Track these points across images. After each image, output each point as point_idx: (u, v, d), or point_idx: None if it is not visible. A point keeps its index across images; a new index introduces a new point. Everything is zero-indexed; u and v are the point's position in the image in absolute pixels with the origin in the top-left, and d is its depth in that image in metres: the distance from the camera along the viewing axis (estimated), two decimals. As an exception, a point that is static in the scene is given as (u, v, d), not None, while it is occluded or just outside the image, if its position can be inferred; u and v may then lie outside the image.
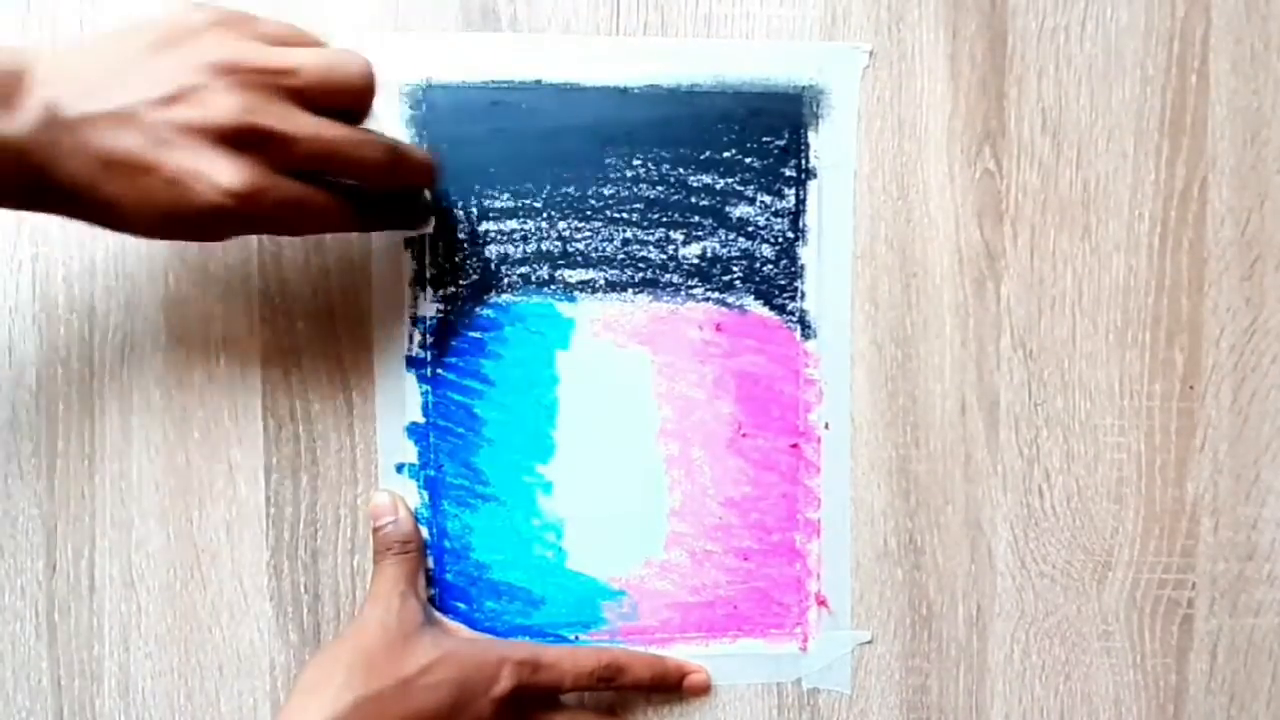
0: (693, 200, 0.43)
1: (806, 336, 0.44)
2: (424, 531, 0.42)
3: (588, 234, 0.43)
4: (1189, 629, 0.45)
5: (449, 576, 0.43)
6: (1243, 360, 0.45)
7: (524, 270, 0.43)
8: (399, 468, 0.43)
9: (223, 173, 0.31)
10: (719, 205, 0.43)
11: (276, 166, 0.33)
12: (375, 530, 0.41)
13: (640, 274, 0.43)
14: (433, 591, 0.43)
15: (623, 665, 0.42)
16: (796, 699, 0.45)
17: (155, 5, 0.39)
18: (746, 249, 0.43)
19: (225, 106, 0.31)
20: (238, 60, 0.32)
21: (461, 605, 0.43)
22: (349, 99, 0.34)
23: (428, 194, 0.41)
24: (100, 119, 0.31)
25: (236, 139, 0.32)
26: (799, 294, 0.44)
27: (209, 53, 0.32)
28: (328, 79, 0.33)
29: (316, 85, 0.33)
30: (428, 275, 0.42)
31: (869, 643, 0.45)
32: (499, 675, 0.39)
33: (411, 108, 0.42)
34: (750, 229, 0.43)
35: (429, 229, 0.42)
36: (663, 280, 0.43)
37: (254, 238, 0.41)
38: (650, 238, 0.43)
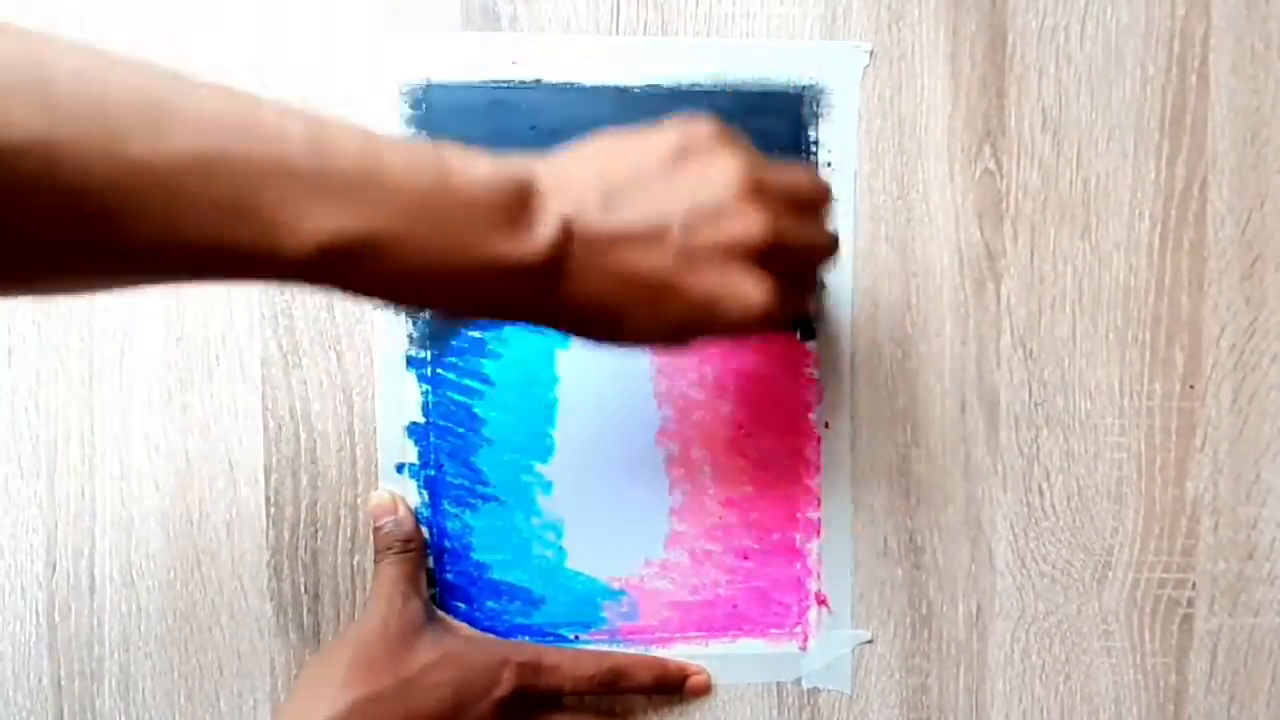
0: (693, 200, 0.43)
1: (806, 336, 0.44)
2: (424, 531, 0.42)
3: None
4: (1189, 629, 0.45)
5: (449, 576, 0.43)
6: (1243, 360, 0.45)
7: (524, 270, 0.43)
8: (399, 468, 0.43)
9: (755, 293, 0.31)
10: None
11: (787, 278, 0.32)
12: (375, 530, 0.41)
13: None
14: (433, 591, 0.43)
15: (624, 670, 0.42)
16: (796, 699, 0.45)
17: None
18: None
19: (756, 225, 0.31)
20: (757, 176, 0.31)
21: (462, 605, 0.43)
22: (822, 206, 0.35)
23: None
24: (627, 237, 0.30)
25: (763, 257, 0.31)
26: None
27: (729, 169, 0.31)
28: (818, 193, 0.34)
29: (810, 200, 0.34)
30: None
31: (869, 642, 0.45)
32: (500, 677, 0.39)
33: (411, 107, 0.42)
34: (750, 228, 0.43)
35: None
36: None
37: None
38: (650, 237, 0.43)
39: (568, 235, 0.29)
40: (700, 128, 0.32)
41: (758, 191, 0.31)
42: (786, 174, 0.33)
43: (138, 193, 0.24)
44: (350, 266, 0.27)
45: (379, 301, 0.29)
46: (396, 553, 0.41)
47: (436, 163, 0.28)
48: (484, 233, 0.28)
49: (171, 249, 0.25)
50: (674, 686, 0.43)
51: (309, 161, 0.26)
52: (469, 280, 0.28)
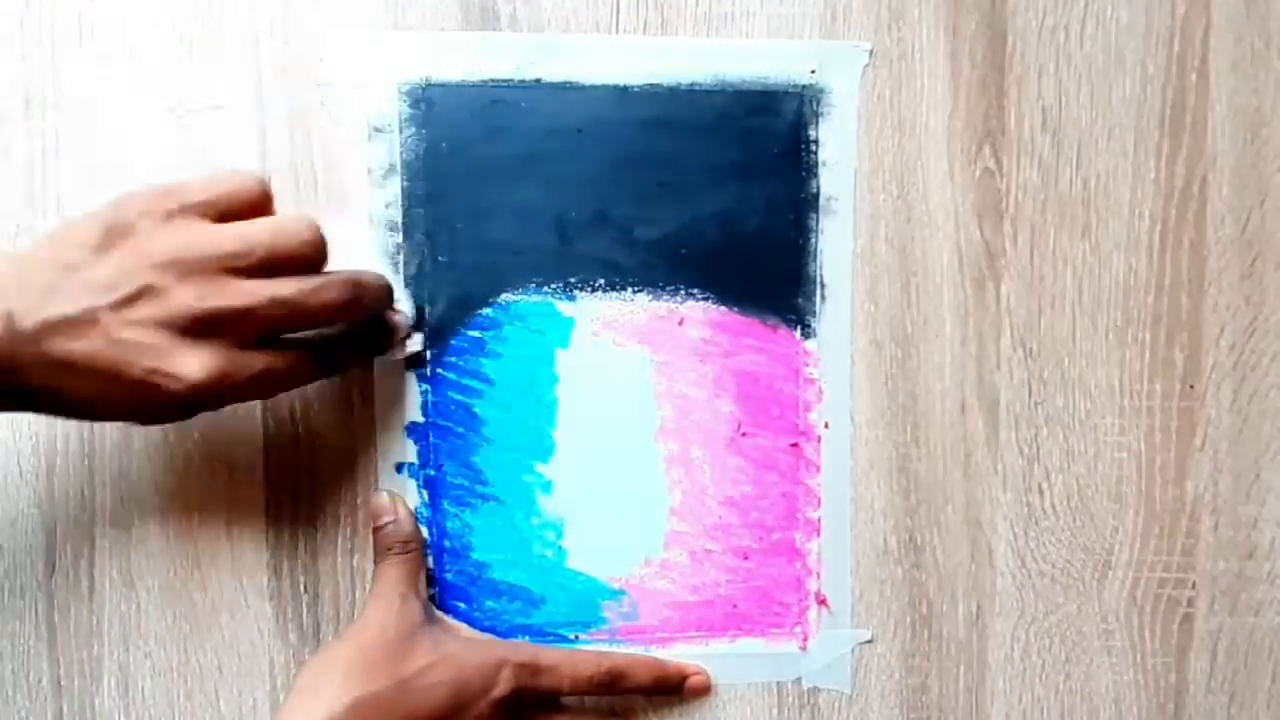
0: (692, 199, 0.43)
1: (806, 335, 0.44)
2: (424, 531, 0.42)
3: (587, 233, 0.43)
4: (1189, 628, 0.45)
5: (449, 576, 0.43)
6: (1243, 359, 0.45)
7: (524, 270, 0.43)
8: (399, 468, 0.43)
9: (187, 366, 0.31)
10: (718, 204, 0.43)
11: (239, 344, 0.33)
12: (375, 530, 0.41)
13: (640, 273, 0.43)
14: (433, 591, 0.43)
15: (623, 670, 0.42)
16: (796, 698, 0.45)
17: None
18: (746, 248, 0.43)
19: (179, 301, 0.31)
20: (183, 253, 0.32)
21: (461, 605, 0.43)
22: (300, 264, 0.34)
23: (400, 315, 0.40)
24: (58, 326, 0.31)
25: (196, 329, 0.32)
26: (799, 293, 0.44)
27: (154, 248, 0.32)
28: (276, 253, 0.33)
29: (265, 261, 0.33)
30: (427, 274, 0.42)
31: (869, 642, 0.45)
32: (498, 678, 0.39)
33: (411, 106, 0.42)
34: (750, 228, 0.43)
35: (414, 348, 0.41)
36: (663, 279, 0.43)
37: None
38: (650, 236, 0.43)
39: (10, 335, 0.30)
40: (130, 206, 0.33)
41: (181, 267, 0.32)
42: (238, 239, 0.33)
43: None
44: None
45: None
46: (396, 554, 0.40)
47: None
48: None
49: None
50: (673, 687, 0.43)
51: None
52: None
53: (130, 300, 0.31)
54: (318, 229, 0.34)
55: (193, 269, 0.32)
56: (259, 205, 0.35)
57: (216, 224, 0.33)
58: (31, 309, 0.31)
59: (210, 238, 0.33)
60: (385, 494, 0.42)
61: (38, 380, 0.31)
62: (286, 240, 0.34)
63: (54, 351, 0.31)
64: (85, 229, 0.32)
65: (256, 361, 0.33)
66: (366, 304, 0.36)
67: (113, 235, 0.32)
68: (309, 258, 0.34)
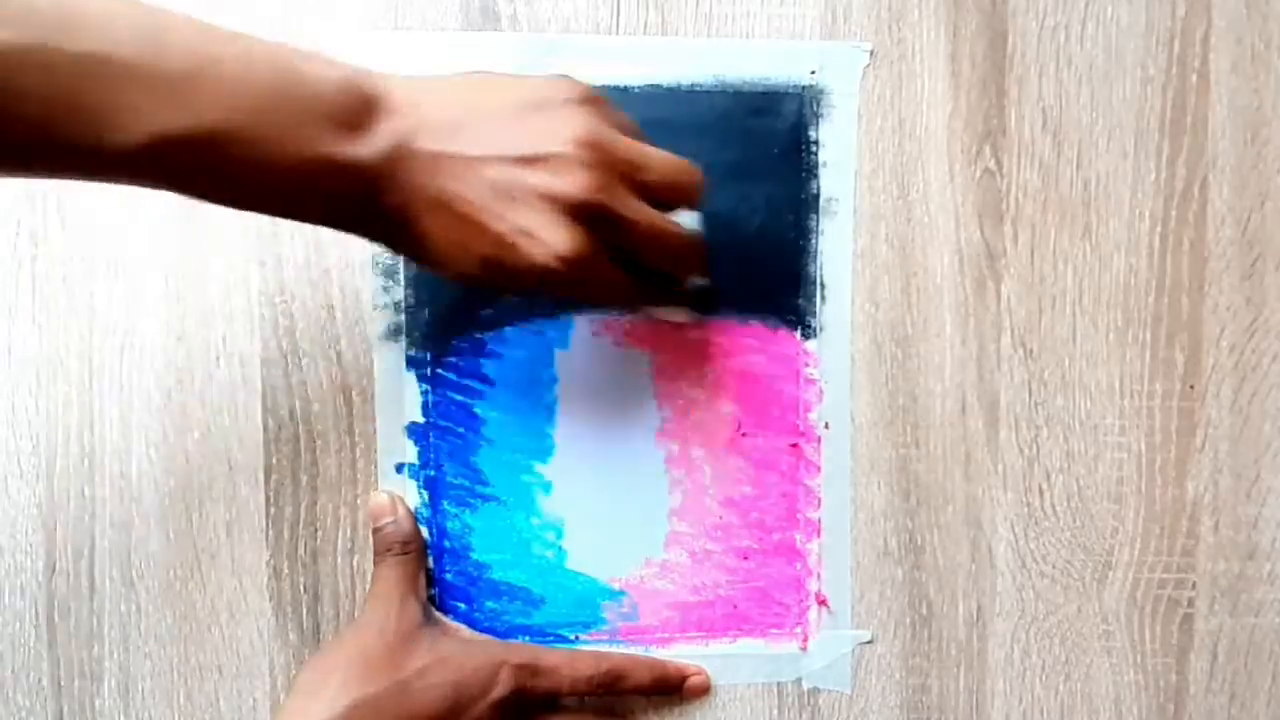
0: (693, 200, 0.43)
1: (806, 336, 0.44)
2: (424, 531, 0.42)
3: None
4: (1189, 629, 0.45)
5: (449, 576, 0.43)
6: (1243, 360, 0.45)
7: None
8: (399, 468, 0.43)
9: (560, 239, 0.32)
10: (718, 204, 0.43)
11: (606, 244, 0.33)
12: (375, 531, 0.41)
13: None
14: (433, 591, 0.43)
15: (623, 671, 0.42)
16: (796, 699, 0.45)
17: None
18: (747, 248, 0.43)
19: (582, 181, 0.32)
20: (601, 140, 0.33)
21: (461, 605, 0.43)
22: (681, 201, 0.36)
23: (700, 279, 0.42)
24: (452, 161, 0.31)
25: (581, 213, 0.32)
26: (799, 293, 0.44)
27: (576, 126, 0.32)
28: (672, 180, 0.35)
29: (660, 183, 0.34)
30: (427, 274, 0.42)
31: (869, 642, 0.45)
32: (497, 679, 0.39)
33: (411, 107, 0.41)
34: (750, 228, 0.43)
35: (702, 282, 0.42)
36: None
37: (253, 236, 0.41)
38: (650, 237, 0.43)
39: (398, 150, 0.31)
40: (567, 87, 0.34)
41: (596, 154, 0.32)
42: (645, 154, 0.34)
43: None
44: (180, 163, 0.28)
45: (211, 199, 0.30)
46: (395, 554, 0.41)
47: (282, 62, 0.29)
48: (320, 131, 0.29)
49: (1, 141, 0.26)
50: (673, 687, 0.43)
51: (136, 55, 0.27)
52: (299, 177, 0.30)
53: (530, 162, 0.32)
54: (700, 177, 0.36)
55: (597, 160, 0.32)
56: (690, 200, 0.36)
57: (624, 135, 0.34)
58: (432, 136, 0.31)
59: (622, 140, 0.34)
60: (385, 494, 0.42)
61: (409, 208, 0.31)
62: (678, 175, 0.35)
63: (436, 184, 0.31)
64: (512, 87, 0.33)
65: (609, 267, 0.34)
66: (696, 265, 0.37)
67: (542, 102, 0.33)
68: (684, 200, 0.35)
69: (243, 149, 0.28)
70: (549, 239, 0.32)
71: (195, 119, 0.27)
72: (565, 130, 0.32)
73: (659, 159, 0.35)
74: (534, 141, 0.32)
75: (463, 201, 0.31)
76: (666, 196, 0.35)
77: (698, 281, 0.40)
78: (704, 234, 0.38)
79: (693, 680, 0.44)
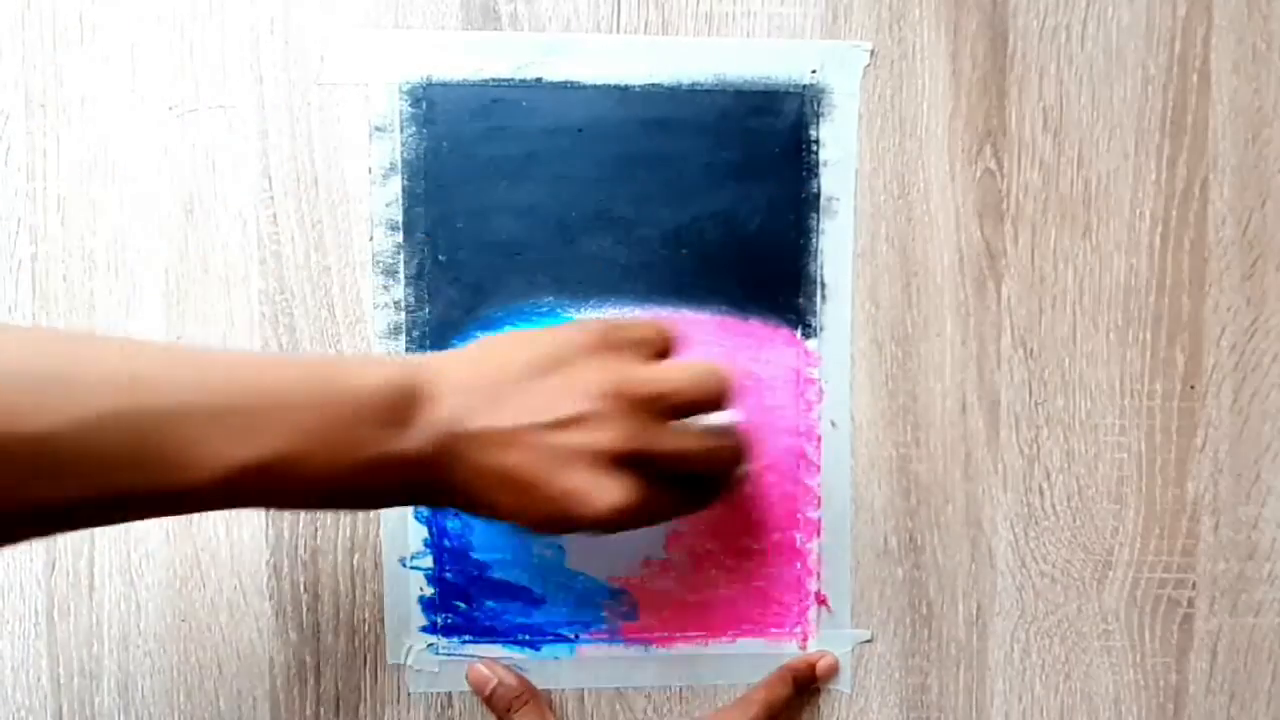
0: (693, 199, 0.43)
1: (807, 335, 0.44)
2: (425, 532, 0.42)
3: (587, 232, 0.43)
4: (1189, 629, 0.45)
5: (449, 576, 0.43)
6: (1243, 360, 0.45)
7: (525, 269, 0.43)
8: (399, 467, 0.42)
9: (609, 493, 0.32)
10: (719, 204, 0.43)
11: (654, 479, 0.34)
12: (486, 700, 0.42)
13: (641, 273, 0.43)
14: (434, 591, 0.43)
15: (769, 701, 0.42)
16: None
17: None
18: (747, 248, 0.43)
19: (613, 433, 0.33)
20: (622, 387, 0.33)
21: (461, 605, 0.43)
22: (714, 409, 0.36)
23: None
24: (495, 436, 0.32)
25: (620, 460, 0.33)
26: (799, 293, 0.44)
27: (594, 379, 0.33)
28: (699, 397, 0.35)
29: (689, 404, 0.35)
30: (427, 274, 0.42)
31: (869, 641, 0.45)
32: None
33: (412, 105, 0.42)
34: (750, 228, 0.43)
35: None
36: (663, 279, 0.43)
37: (253, 236, 0.41)
38: (651, 236, 0.43)
39: (446, 435, 0.32)
40: (576, 337, 0.35)
41: (620, 403, 0.33)
42: (668, 381, 0.34)
43: (38, 460, 0.26)
44: (256, 487, 0.30)
45: (289, 509, 0.32)
46: (518, 711, 0.42)
47: (327, 373, 0.31)
48: (372, 434, 0.31)
49: (85, 503, 0.28)
50: (809, 680, 0.44)
51: (203, 402, 0.29)
52: (362, 477, 0.31)
53: (565, 425, 0.33)
54: (727, 379, 0.36)
55: (625, 405, 0.33)
56: (670, 349, 0.37)
57: (644, 364, 0.35)
58: (471, 415, 0.32)
59: (642, 377, 0.34)
60: (478, 664, 0.43)
61: (464, 481, 0.33)
62: (705, 387, 0.35)
63: (487, 458, 0.32)
64: (525, 346, 0.34)
65: (663, 497, 0.35)
66: (742, 459, 0.38)
67: (556, 361, 0.34)
68: (717, 407, 0.36)
69: (304, 467, 0.30)
70: (601, 494, 0.32)
71: (260, 449, 0.29)
72: (584, 386, 0.33)
73: (683, 380, 0.35)
74: (561, 405, 0.33)
75: (519, 470, 0.32)
76: (699, 412, 0.36)
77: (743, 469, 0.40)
78: (739, 421, 0.38)
79: (821, 664, 0.44)
